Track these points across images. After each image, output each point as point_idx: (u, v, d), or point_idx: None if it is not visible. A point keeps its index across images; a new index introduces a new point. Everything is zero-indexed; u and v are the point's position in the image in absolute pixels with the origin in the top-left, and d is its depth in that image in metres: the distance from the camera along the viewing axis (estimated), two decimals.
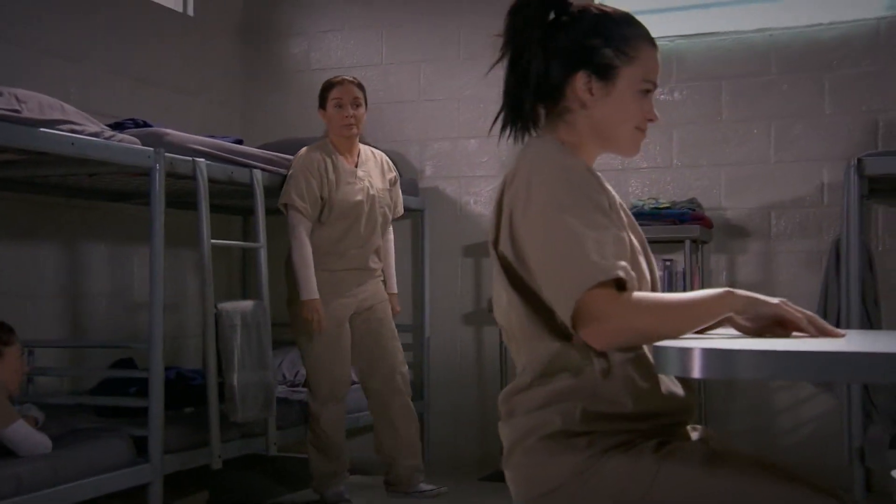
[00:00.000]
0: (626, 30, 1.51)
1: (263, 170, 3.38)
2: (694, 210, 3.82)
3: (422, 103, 4.48)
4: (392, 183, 3.62)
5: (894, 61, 3.79)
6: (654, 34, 1.56)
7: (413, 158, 4.49)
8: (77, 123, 2.57)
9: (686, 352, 1.20)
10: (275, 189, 3.48)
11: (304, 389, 3.99)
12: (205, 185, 3.02)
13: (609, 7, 1.57)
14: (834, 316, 3.14)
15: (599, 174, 1.61)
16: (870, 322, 3.09)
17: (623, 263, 1.36)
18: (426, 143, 4.48)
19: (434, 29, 4.44)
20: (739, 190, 4.01)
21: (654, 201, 3.90)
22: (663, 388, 1.49)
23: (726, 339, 1.34)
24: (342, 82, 3.49)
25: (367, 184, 3.47)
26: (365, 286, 3.50)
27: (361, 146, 3.56)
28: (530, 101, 1.53)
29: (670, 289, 3.90)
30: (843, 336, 1.40)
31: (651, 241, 4.11)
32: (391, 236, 3.70)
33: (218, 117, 4.54)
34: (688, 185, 4.07)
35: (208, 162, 3.08)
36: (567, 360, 1.45)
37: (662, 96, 4.10)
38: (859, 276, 3.00)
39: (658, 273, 1.65)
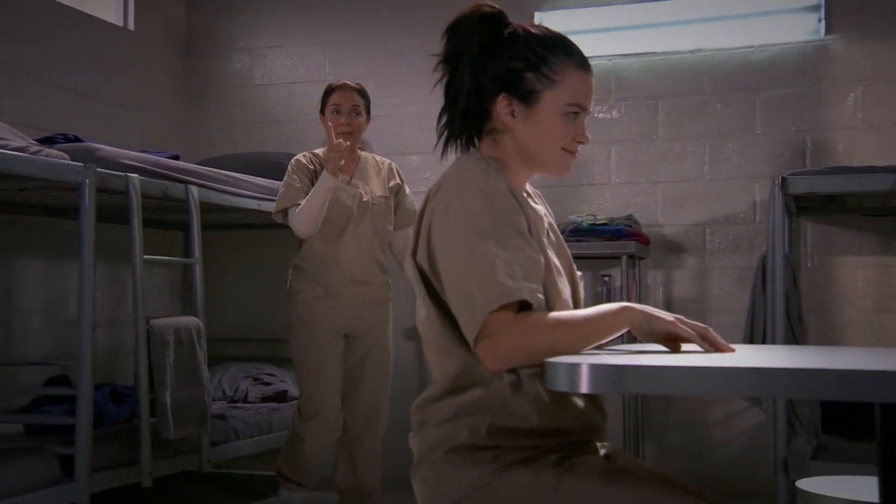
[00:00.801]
0: (553, 54, 1.53)
1: (200, 186, 3.37)
2: (630, 226, 3.88)
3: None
4: (394, 191, 3.34)
5: (821, 83, 3.90)
6: (592, 53, 1.58)
7: None
8: (2, 138, 2.55)
9: (574, 367, 1.23)
10: (212, 205, 3.47)
11: (245, 406, 3.98)
12: (137, 201, 3.01)
13: (543, 29, 1.57)
14: (760, 331, 3.21)
15: (531, 193, 1.66)
16: (794, 337, 3.17)
17: (531, 285, 1.39)
18: None
19: (377, 46, 4.48)
20: (675, 207, 4.09)
21: (592, 218, 3.96)
22: (572, 406, 1.52)
23: (623, 355, 1.38)
24: (343, 87, 3.26)
25: (360, 191, 3.23)
26: (362, 301, 3.23)
27: (363, 154, 3.34)
28: (461, 120, 1.57)
29: (608, 303, 3.95)
30: (732, 351, 1.44)
31: (589, 257, 4.19)
32: (402, 247, 3.36)
33: (159, 133, 4.52)
34: (626, 201, 4.14)
35: (142, 177, 3.06)
36: (477, 373, 1.47)
37: (601, 114, 4.18)
38: (784, 293, 3.07)
39: (583, 291, 1.68)
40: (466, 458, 1.47)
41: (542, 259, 1.46)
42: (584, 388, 1.22)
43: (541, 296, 1.41)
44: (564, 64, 1.53)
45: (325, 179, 3.06)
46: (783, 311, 3.07)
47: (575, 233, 3.88)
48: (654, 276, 4.11)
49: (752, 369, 1.18)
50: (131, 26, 4.40)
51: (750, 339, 3.28)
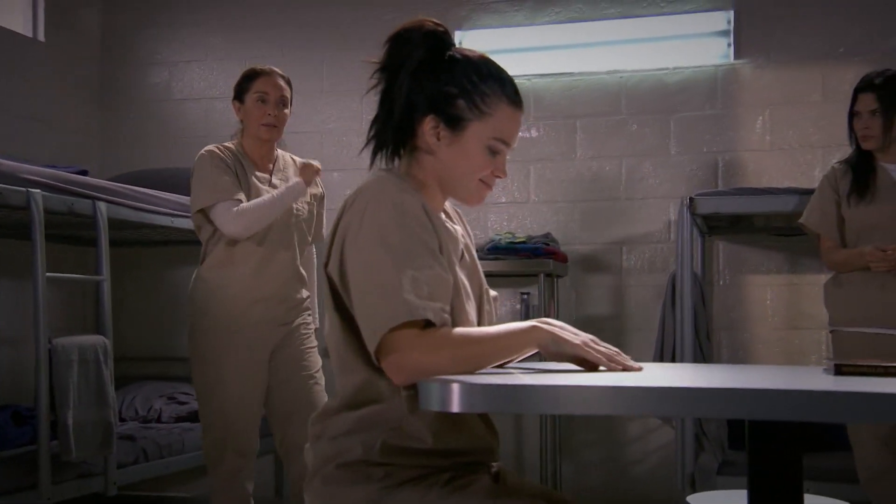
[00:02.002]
0: (488, 85, 1.53)
1: (109, 202, 3.30)
2: (548, 245, 3.92)
3: (286, 136, 4.43)
4: (318, 199, 3.04)
5: (731, 106, 4.01)
6: (511, 73, 1.59)
7: None
8: None
9: (446, 386, 1.23)
10: (123, 222, 3.40)
11: (157, 426, 3.89)
12: (40, 217, 2.93)
13: (483, 58, 1.58)
14: (670, 349, 3.26)
15: (449, 212, 1.66)
16: (703, 355, 3.23)
17: (436, 304, 1.39)
18: None
19: (298, 62, 4.45)
20: (593, 225, 4.14)
21: (510, 235, 3.99)
22: (466, 428, 1.52)
23: (496, 375, 1.38)
24: (271, 74, 2.91)
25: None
26: (287, 320, 2.90)
27: (280, 152, 3.05)
28: (391, 133, 1.56)
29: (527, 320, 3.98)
30: (640, 370, 1.47)
31: (507, 275, 4.21)
32: (314, 259, 3.14)
33: (72, 147, 4.42)
34: (545, 219, 4.19)
35: (45, 193, 2.99)
36: (377, 390, 1.47)
37: (521, 133, 4.20)
38: (692, 311, 3.13)
39: (501, 310, 1.68)
40: (358, 473, 1.46)
41: (451, 279, 1.47)
42: (454, 407, 1.22)
43: (446, 315, 1.42)
44: (497, 98, 1.54)
45: (299, 188, 2.82)
46: (691, 329, 3.13)
47: (493, 250, 3.90)
48: (572, 293, 4.15)
49: (616, 388, 1.19)
50: (41, 37, 4.30)
51: (660, 356, 3.33)
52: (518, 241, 3.93)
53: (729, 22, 3.99)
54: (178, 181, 3.99)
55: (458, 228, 1.63)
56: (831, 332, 2.97)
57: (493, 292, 1.74)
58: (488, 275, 4.44)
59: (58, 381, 2.93)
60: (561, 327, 1.46)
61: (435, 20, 1.56)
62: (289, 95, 2.97)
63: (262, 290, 2.86)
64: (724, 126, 4.02)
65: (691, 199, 3.19)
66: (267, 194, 2.83)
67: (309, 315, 3.03)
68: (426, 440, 1.46)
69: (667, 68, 4.08)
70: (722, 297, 3.97)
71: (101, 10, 4.67)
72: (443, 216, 1.59)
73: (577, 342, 1.43)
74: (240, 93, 2.96)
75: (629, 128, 4.13)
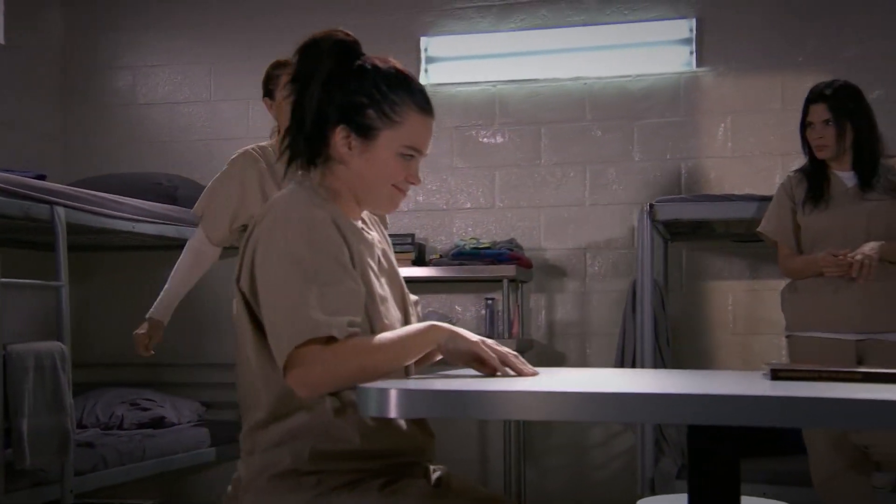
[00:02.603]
0: (397, 94, 1.54)
1: (68, 207, 3.27)
2: (512, 250, 3.94)
3: (250, 141, 4.40)
4: None
5: (693, 113, 4.05)
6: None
7: None
8: None
9: (384, 392, 1.24)
10: (82, 227, 3.37)
11: (119, 432, 3.85)
12: None
13: (393, 66, 1.58)
14: (630, 354, 3.29)
15: (366, 219, 1.67)
16: (662, 360, 3.26)
17: (343, 319, 1.42)
18: None
19: (262, 67, 4.42)
20: (557, 231, 4.16)
21: (475, 241, 4.00)
22: (395, 428, 1.53)
23: (433, 380, 1.39)
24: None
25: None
26: None
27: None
28: (303, 144, 1.57)
29: (492, 326, 4.00)
30: (536, 374, 1.49)
31: (471, 281, 4.22)
32: None
33: (35, 151, 4.38)
34: (510, 225, 4.20)
35: (0, 197, 2.95)
36: (298, 400, 1.48)
37: (486, 139, 4.24)
38: (652, 317, 3.16)
39: (420, 313, 1.70)
40: (290, 483, 1.48)
41: (363, 289, 1.49)
42: (393, 412, 1.24)
43: (353, 328, 1.44)
44: (407, 106, 1.55)
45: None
46: (651, 334, 3.16)
47: (458, 256, 3.92)
48: (537, 299, 4.17)
49: (547, 393, 1.21)
50: (1, 40, 4.26)
51: (621, 362, 3.35)
52: (482, 246, 3.94)
53: (691, 30, 4.03)
54: (141, 186, 3.97)
55: (375, 235, 1.65)
56: (787, 337, 3.00)
57: (413, 297, 1.76)
58: (453, 280, 4.47)
59: (12, 388, 2.89)
60: (458, 329, 1.50)
61: (345, 30, 1.57)
62: None
63: None
64: (686, 133, 4.06)
65: (651, 206, 3.22)
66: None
67: None
68: (354, 441, 1.48)
69: (630, 75, 4.12)
70: (684, 303, 4.00)
71: (63, 12, 4.64)
72: (359, 223, 1.61)
73: (475, 339, 1.47)
74: (270, 89, 2.75)
75: (593, 134, 4.15)
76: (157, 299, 2.97)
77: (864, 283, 2.75)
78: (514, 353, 1.50)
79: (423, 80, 4.25)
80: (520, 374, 1.46)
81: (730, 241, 3.94)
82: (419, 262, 4.04)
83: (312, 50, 1.54)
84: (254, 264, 1.49)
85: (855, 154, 2.93)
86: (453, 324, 4.47)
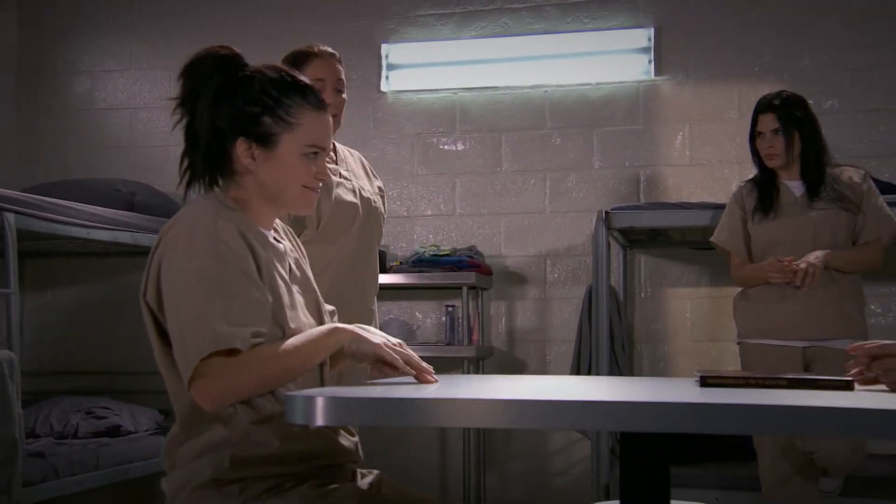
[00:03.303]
0: (288, 97, 1.56)
1: (19, 213, 3.22)
2: (472, 257, 3.94)
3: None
4: (381, 193, 2.65)
5: (652, 121, 4.08)
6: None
7: None
8: None
9: (309, 400, 1.24)
10: (29, 233, 3.32)
11: (73, 441, 3.79)
12: None
13: (279, 70, 1.60)
14: (586, 361, 3.30)
15: (278, 229, 1.66)
16: (618, 367, 3.27)
17: (247, 330, 1.42)
18: None
19: None
20: (518, 238, 4.17)
21: (435, 248, 4.00)
22: (316, 430, 1.53)
23: (356, 388, 1.39)
24: (322, 55, 2.50)
25: (357, 185, 2.51)
26: None
27: (336, 143, 2.61)
28: (202, 162, 1.56)
29: (452, 333, 4.00)
30: (435, 382, 1.50)
31: (431, 288, 4.21)
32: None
33: None
34: (470, 232, 4.21)
35: None
36: (215, 413, 1.48)
37: (446, 146, 4.24)
38: (608, 324, 3.17)
39: (329, 321, 1.69)
40: (213, 493, 1.48)
41: (269, 299, 1.49)
42: (318, 420, 1.23)
43: (258, 339, 1.44)
44: (300, 106, 1.57)
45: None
46: (607, 342, 3.17)
47: (418, 263, 3.91)
48: (497, 305, 4.17)
49: (469, 400, 1.21)
50: None
51: (577, 369, 3.36)
52: (442, 253, 3.94)
53: (650, 39, 4.07)
54: (98, 192, 3.92)
55: (287, 245, 1.65)
56: (739, 344, 3.03)
57: (328, 307, 1.77)
58: (413, 287, 4.46)
59: None
60: (363, 329, 1.51)
61: (224, 46, 1.58)
62: (344, 79, 2.56)
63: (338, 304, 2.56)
64: (645, 141, 4.09)
65: (607, 214, 3.24)
66: None
67: None
68: (272, 444, 1.48)
69: (590, 84, 4.14)
70: (643, 310, 4.03)
71: (19, 15, 4.58)
72: (272, 233, 1.62)
73: (378, 342, 1.49)
74: None
75: (553, 142, 4.17)
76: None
77: (807, 292, 2.78)
78: (419, 359, 1.52)
79: (383, 86, 4.25)
80: (421, 377, 1.48)
81: (688, 248, 3.97)
82: (379, 268, 4.02)
83: (196, 69, 1.55)
84: (159, 278, 1.49)
85: (802, 163, 2.98)
86: (414, 331, 4.45)
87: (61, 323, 4.41)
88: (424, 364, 1.51)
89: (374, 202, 2.56)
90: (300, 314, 1.57)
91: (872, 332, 3.40)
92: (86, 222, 3.60)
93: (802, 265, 2.77)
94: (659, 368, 3.99)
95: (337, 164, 2.55)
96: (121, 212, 3.83)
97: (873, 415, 1.03)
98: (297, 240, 1.75)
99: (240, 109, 1.53)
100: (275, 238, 1.62)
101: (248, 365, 1.41)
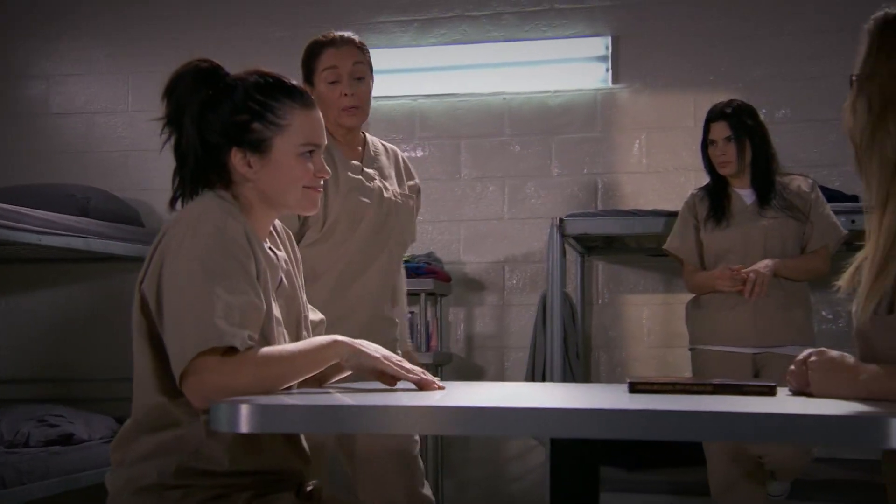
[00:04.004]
0: (274, 99, 1.55)
1: None
2: (430, 264, 3.94)
3: (169, 153, 4.38)
4: (414, 192, 2.48)
5: (610, 129, 4.11)
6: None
7: (160, 208, 4.38)
8: None
9: (234, 409, 1.23)
10: None
11: (23, 450, 3.74)
12: None
13: (259, 74, 1.59)
14: (540, 368, 3.31)
15: (280, 235, 1.68)
16: (572, 375, 3.28)
17: (244, 332, 1.41)
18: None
19: None
20: (476, 244, 4.18)
21: None
22: (267, 450, 1.53)
23: (289, 395, 1.39)
24: (335, 42, 2.30)
25: (379, 185, 2.34)
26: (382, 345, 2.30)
27: (368, 136, 2.46)
28: (194, 178, 1.55)
29: (410, 339, 3.99)
30: (442, 388, 1.51)
31: None
32: (403, 271, 2.55)
33: None
34: (429, 238, 4.21)
35: None
36: (174, 414, 1.47)
37: (406, 152, 4.22)
38: (562, 331, 3.19)
39: (309, 335, 1.68)
40: (154, 497, 1.47)
41: (264, 307, 1.48)
42: (243, 427, 1.23)
43: (252, 342, 1.43)
44: (288, 107, 1.56)
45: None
46: (560, 348, 3.19)
47: None
48: (455, 312, 4.18)
49: (398, 407, 1.21)
50: None
51: (531, 376, 3.37)
52: None
53: (607, 48, 4.10)
54: (52, 197, 3.88)
55: (281, 255, 1.64)
56: (691, 350, 3.06)
57: (318, 316, 1.76)
58: None
59: None
60: (362, 344, 1.50)
61: (203, 59, 1.58)
62: (365, 62, 2.33)
63: (354, 310, 2.28)
64: (603, 148, 4.12)
65: (561, 220, 3.26)
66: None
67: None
68: (223, 463, 1.47)
69: (549, 91, 4.16)
70: (600, 316, 4.05)
71: None
72: (267, 243, 1.61)
73: (377, 356, 1.48)
74: (307, 74, 2.33)
75: (512, 149, 4.19)
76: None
77: (755, 300, 2.82)
78: (422, 370, 1.53)
79: None
80: (424, 385, 1.49)
81: (645, 255, 4.00)
82: None
83: (178, 86, 1.54)
84: (162, 268, 1.47)
85: (753, 171, 3.02)
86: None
87: (15, 330, 4.35)
88: (429, 375, 1.51)
89: (399, 203, 2.36)
90: (282, 329, 1.57)
91: (824, 339, 3.46)
92: (37, 228, 3.56)
93: (751, 275, 2.81)
94: (616, 374, 4.02)
95: (363, 160, 2.36)
96: (74, 217, 3.79)
97: (785, 419, 1.05)
98: (295, 246, 1.74)
99: (228, 120, 1.53)
100: (270, 248, 1.62)
101: (245, 365, 1.39)
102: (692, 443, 3.22)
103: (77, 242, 3.73)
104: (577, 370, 3.31)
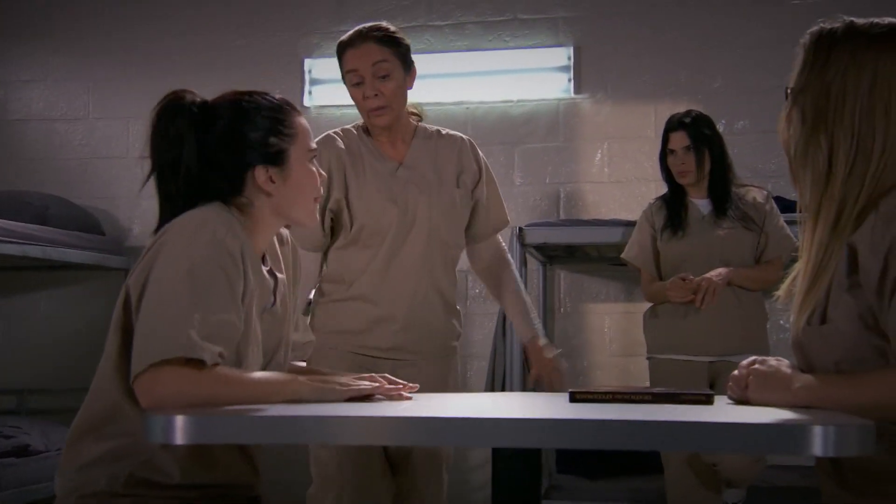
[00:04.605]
0: (279, 111, 1.58)
1: None
2: None
3: (130, 160, 4.35)
4: (471, 182, 2.31)
5: (572, 139, 4.14)
6: None
7: (121, 216, 4.34)
8: None
9: (169, 420, 1.22)
10: None
11: None
12: None
13: (246, 92, 1.60)
14: (500, 377, 3.31)
15: (280, 257, 1.67)
16: (532, 384, 3.28)
17: (215, 348, 1.40)
18: (135, 201, 4.33)
19: (143, 85, 4.35)
20: None
21: None
22: (220, 465, 1.52)
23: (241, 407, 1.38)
24: (353, 42, 2.17)
25: (409, 189, 2.20)
26: (419, 354, 2.19)
27: (422, 127, 2.33)
28: (183, 200, 1.54)
29: None
30: (407, 399, 1.53)
31: None
32: (510, 270, 2.41)
33: None
34: None
35: None
36: (128, 419, 1.46)
37: None
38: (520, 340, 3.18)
39: (285, 362, 1.68)
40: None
41: (241, 327, 1.48)
42: (178, 439, 1.22)
43: (221, 360, 1.43)
44: (291, 116, 1.60)
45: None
46: (520, 358, 3.18)
47: None
48: None
49: (341, 417, 1.20)
50: None
51: (491, 385, 3.37)
52: None
53: (569, 58, 4.12)
54: (6, 205, 3.83)
55: (281, 278, 1.65)
56: (648, 359, 3.08)
57: (307, 337, 1.76)
58: None
59: None
60: (324, 380, 1.50)
61: (187, 90, 1.59)
62: (389, 55, 2.16)
63: (379, 340, 2.17)
64: (565, 158, 4.14)
65: (520, 230, 3.27)
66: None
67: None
68: (174, 476, 1.46)
69: (511, 101, 4.18)
70: (563, 325, 4.06)
71: None
72: (269, 263, 1.62)
73: (341, 389, 1.48)
74: (342, 74, 2.23)
75: None
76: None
77: (706, 309, 2.84)
78: (397, 382, 1.56)
79: (307, 101, 4.24)
80: (395, 396, 1.51)
81: (607, 264, 4.02)
82: None
83: (173, 116, 1.54)
84: (152, 267, 1.46)
85: (710, 181, 3.05)
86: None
87: None
88: (398, 385, 1.54)
89: (436, 204, 2.19)
90: (257, 353, 1.56)
91: (781, 348, 3.49)
92: None
93: (703, 283, 2.83)
94: (579, 383, 4.02)
95: (403, 162, 2.23)
96: (32, 225, 3.74)
97: (710, 428, 1.06)
98: (298, 263, 1.74)
99: (240, 138, 1.55)
100: (270, 270, 1.62)
101: (205, 380, 1.38)
102: (651, 451, 3.23)
103: (34, 251, 3.69)
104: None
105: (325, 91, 4.25)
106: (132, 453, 1.45)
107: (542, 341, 2.30)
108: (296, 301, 1.74)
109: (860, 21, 1.38)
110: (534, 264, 3.98)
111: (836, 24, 1.39)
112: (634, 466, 3.33)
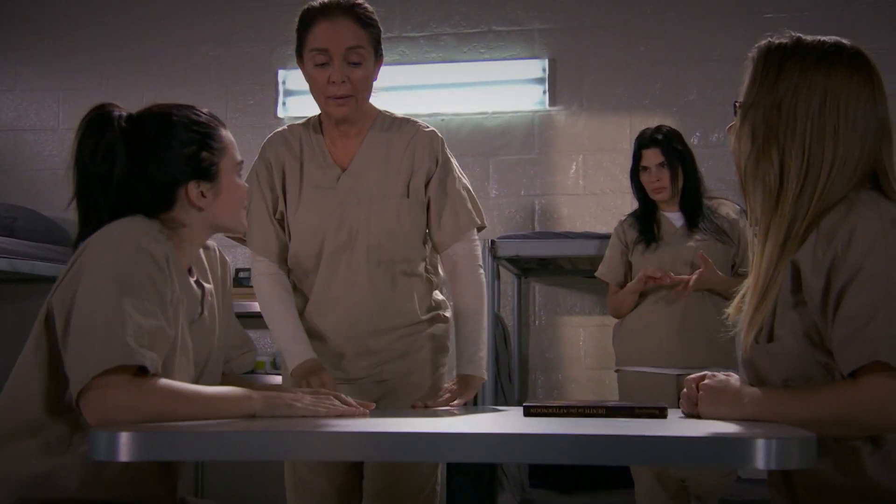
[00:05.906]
0: (206, 127, 1.58)
1: None
2: None
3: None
4: (424, 178, 2.01)
5: (547, 151, 4.13)
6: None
7: None
8: None
9: (114, 437, 1.19)
10: None
11: None
12: None
13: (172, 104, 1.59)
14: (500, 387, 3.28)
15: (208, 264, 1.67)
16: (504, 396, 3.26)
17: (153, 354, 1.38)
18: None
19: (115, 96, 4.28)
20: None
21: None
22: (131, 476, 1.47)
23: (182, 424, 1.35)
24: (330, 12, 1.89)
25: (348, 202, 1.97)
26: (376, 364, 1.98)
27: (382, 116, 2.08)
28: (109, 213, 1.51)
29: None
30: (364, 413, 1.52)
31: None
32: (472, 286, 2.05)
33: None
34: None
35: None
36: (43, 435, 1.42)
37: None
38: (493, 353, 3.16)
39: (217, 371, 1.66)
40: None
41: (171, 334, 1.46)
42: (123, 456, 1.19)
43: (159, 367, 1.40)
44: (218, 131, 1.60)
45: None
46: (492, 371, 3.16)
47: None
48: None
49: (294, 432, 1.18)
50: None
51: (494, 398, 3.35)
52: None
53: (544, 70, 4.12)
54: None
55: (208, 287, 1.63)
56: (616, 371, 3.06)
57: (247, 346, 1.73)
58: None
59: None
60: (278, 397, 1.49)
61: (112, 103, 1.58)
62: (364, 39, 1.91)
63: (332, 345, 1.99)
64: (540, 170, 4.13)
65: (493, 242, 3.25)
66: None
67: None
68: (70, 488, 1.41)
69: (486, 112, 4.17)
70: (537, 338, 4.04)
71: None
72: (195, 273, 1.61)
73: (295, 405, 1.47)
74: (298, 45, 1.96)
75: None
76: (284, 350, 1.96)
77: (676, 295, 2.85)
78: (334, 395, 1.54)
79: (280, 112, 4.21)
80: (350, 414, 1.50)
81: (580, 277, 4.00)
82: None
83: (100, 129, 1.53)
84: (79, 282, 1.43)
85: (683, 195, 3.04)
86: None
87: None
88: (349, 405, 1.53)
89: (374, 216, 1.95)
90: (187, 362, 1.54)
91: None
92: None
93: (682, 278, 2.85)
94: (553, 396, 4.00)
95: (351, 161, 1.98)
96: None
97: (657, 441, 1.03)
98: (228, 276, 1.73)
99: (174, 154, 1.53)
100: (197, 280, 1.60)
101: (154, 393, 1.36)
102: (622, 466, 3.21)
103: (1, 263, 3.63)
104: (508, 392, 3.29)
105: (298, 102, 4.22)
106: (26, 462, 1.41)
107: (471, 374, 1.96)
108: (229, 309, 1.71)
109: (808, 38, 1.37)
110: (508, 277, 3.96)
111: (785, 40, 1.38)
112: (607, 480, 3.31)
